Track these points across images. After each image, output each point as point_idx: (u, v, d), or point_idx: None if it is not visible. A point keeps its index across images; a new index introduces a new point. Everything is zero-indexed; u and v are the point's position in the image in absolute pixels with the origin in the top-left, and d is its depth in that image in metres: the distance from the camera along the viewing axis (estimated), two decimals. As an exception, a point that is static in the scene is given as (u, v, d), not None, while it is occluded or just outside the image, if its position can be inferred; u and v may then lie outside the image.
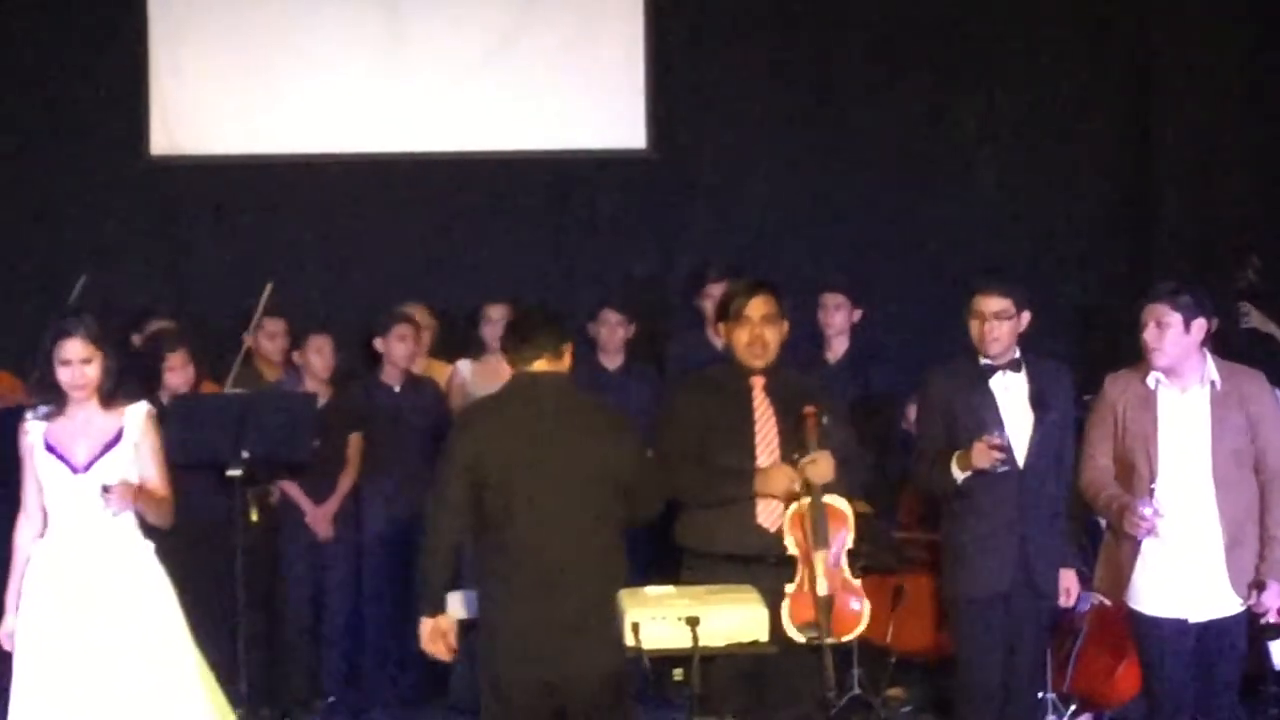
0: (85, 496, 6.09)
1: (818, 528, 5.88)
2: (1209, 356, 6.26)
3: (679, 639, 5.10)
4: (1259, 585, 6.19)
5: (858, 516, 6.07)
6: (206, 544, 7.54)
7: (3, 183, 9.40)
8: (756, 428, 6.10)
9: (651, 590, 5.37)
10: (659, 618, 5.12)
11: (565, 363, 5.92)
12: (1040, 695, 7.32)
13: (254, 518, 7.63)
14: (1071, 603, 6.68)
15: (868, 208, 9.60)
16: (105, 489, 6.03)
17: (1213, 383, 6.22)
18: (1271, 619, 6.32)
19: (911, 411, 7.35)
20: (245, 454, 7.52)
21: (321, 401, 8.15)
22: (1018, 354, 6.48)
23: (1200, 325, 6.19)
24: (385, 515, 8.27)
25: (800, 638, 5.81)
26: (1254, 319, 8.62)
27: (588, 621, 5.57)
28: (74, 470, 6.10)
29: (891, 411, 8.23)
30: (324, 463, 8.08)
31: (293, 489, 8.20)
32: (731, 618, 5.17)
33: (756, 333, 6.12)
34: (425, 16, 9.58)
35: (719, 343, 7.07)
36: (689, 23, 9.63)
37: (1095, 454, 6.35)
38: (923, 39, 9.62)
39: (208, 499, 7.59)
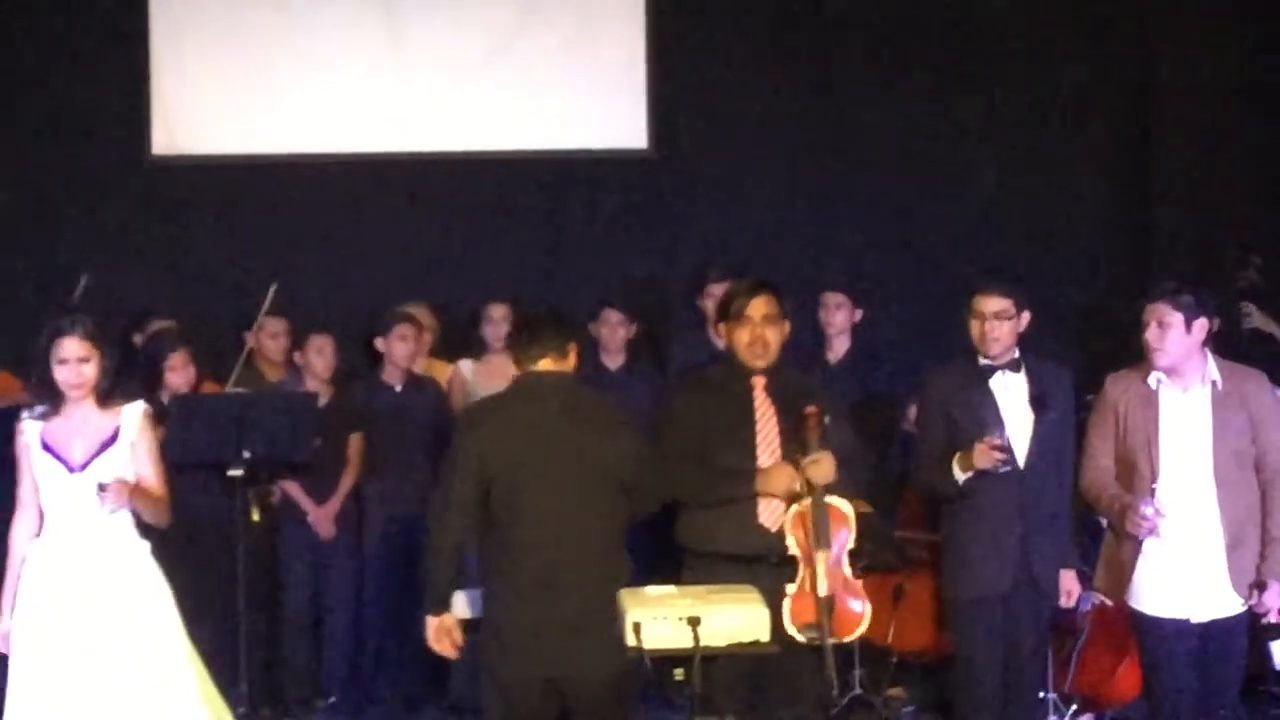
0: (82, 496, 6.09)
1: (819, 528, 5.88)
2: (1210, 356, 6.27)
3: (680, 639, 5.10)
4: (1260, 585, 6.19)
5: (859, 516, 6.07)
6: (207, 544, 7.56)
7: (4, 182, 9.41)
8: (757, 428, 6.10)
9: (653, 590, 5.38)
10: (660, 618, 5.13)
11: (570, 362, 5.94)
12: (1041, 695, 7.32)
13: (255, 517, 7.63)
14: (1072, 603, 6.68)
15: (868, 208, 9.61)
16: (101, 486, 6.04)
17: (1214, 383, 6.22)
18: (1272, 619, 6.32)
19: (912, 411, 7.34)
20: (246, 454, 7.52)
21: (323, 401, 8.15)
22: (1017, 354, 6.48)
23: (1202, 325, 6.19)
24: (386, 515, 8.27)
25: (801, 638, 5.82)
26: (1255, 319, 8.62)
27: (591, 620, 5.57)
28: (70, 469, 6.10)
29: (892, 411, 8.23)
30: (325, 463, 8.07)
31: (294, 489, 8.20)
32: (733, 617, 5.17)
33: (758, 333, 6.12)
34: (425, 16, 9.58)
35: (720, 343, 7.07)
36: (690, 22, 9.63)
37: (1096, 454, 6.35)
38: (923, 38, 9.63)
39: (209, 499, 7.61)
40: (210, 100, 9.53)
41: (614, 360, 8.69)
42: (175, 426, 7.43)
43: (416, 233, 9.54)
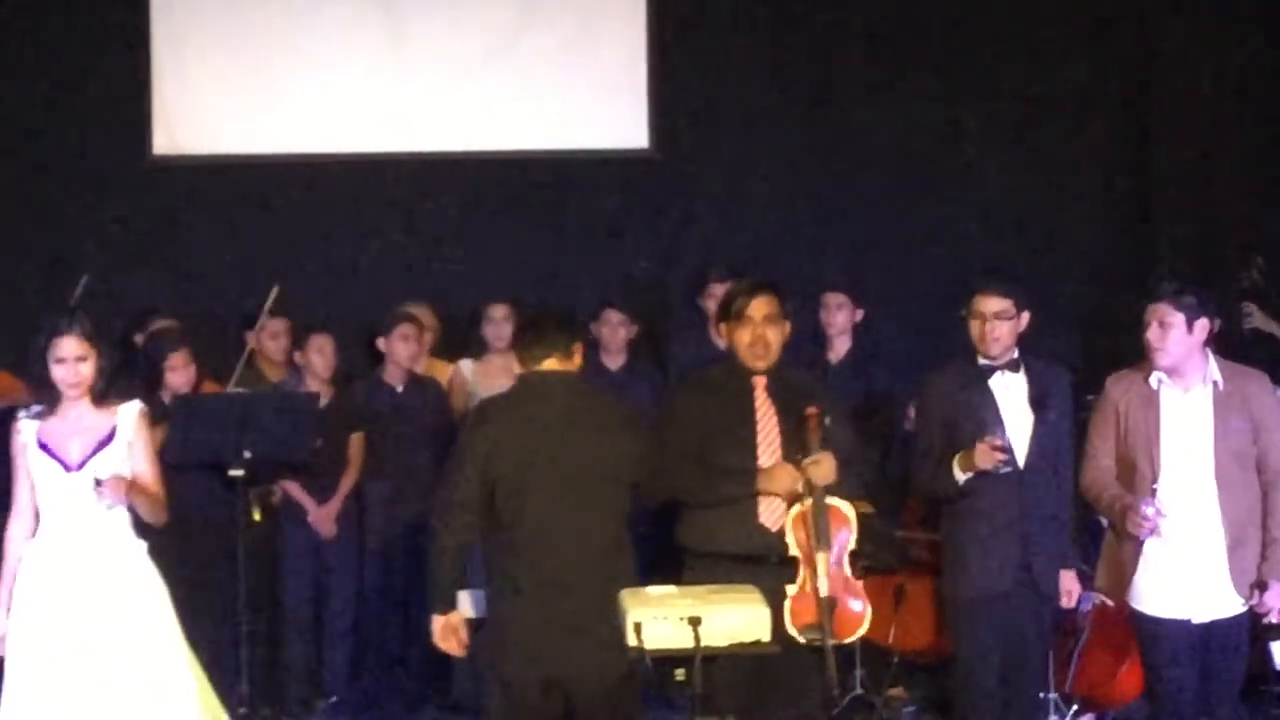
0: (78, 495, 6.08)
1: (820, 529, 5.87)
2: (1211, 357, 6.26)
3: (681, 639, 5.09)
4: (1261, 585, 6.18)
5: (860, 517, 6.06)
6: (208, 544, 7.55)
7: (5, 182, 9.41)
8: (758, 428, 6.09)
9: (653, 590, 5.37)
10: (661, 618, 5.12)
11: (575, 362, 5.94)
12: (1042, 696, 7.30)
13: (256, 517, 7.64)
14: (1073, 603, 6.68)
15: (868, 208, 9.61)
16: (98, 482, 6.03)
17: (1215, 383, 6.22)
18: (1273, 619, 6.31)
19: (913, 412, 7.34)
20: (247, 454, 7.52)
21: (323, 401, 8.15)
22: (1017, 354, 6.48)
23: (1203, 325, 6.19)
24: (387, 515, 8.27)
25: (802, 639, 5.81)
26: (1257, 319, 8.62)
27: (595, 620, 5.55)
28: (67, 469, 6.10)
29: (893, 411, 8.23)
30: (326, 463, 8.08)
31: (295, 489, 8.20)
32: (734, 618, 5.17)
33: (758, 333, 6.11)
34: (425, 16, 9.59)
35: (721, 343, 7.07)
36: (690, 22, 9.63)
37: (1097, 454, 6.35)
38: (923, 39, 9.63)
39: (209, 499, 7.60)
40: (210, 100, 9.54)
41: (615, 360, 8.69)
42: (176, 426, 7.43)
43: (416, 233, 9.55)
